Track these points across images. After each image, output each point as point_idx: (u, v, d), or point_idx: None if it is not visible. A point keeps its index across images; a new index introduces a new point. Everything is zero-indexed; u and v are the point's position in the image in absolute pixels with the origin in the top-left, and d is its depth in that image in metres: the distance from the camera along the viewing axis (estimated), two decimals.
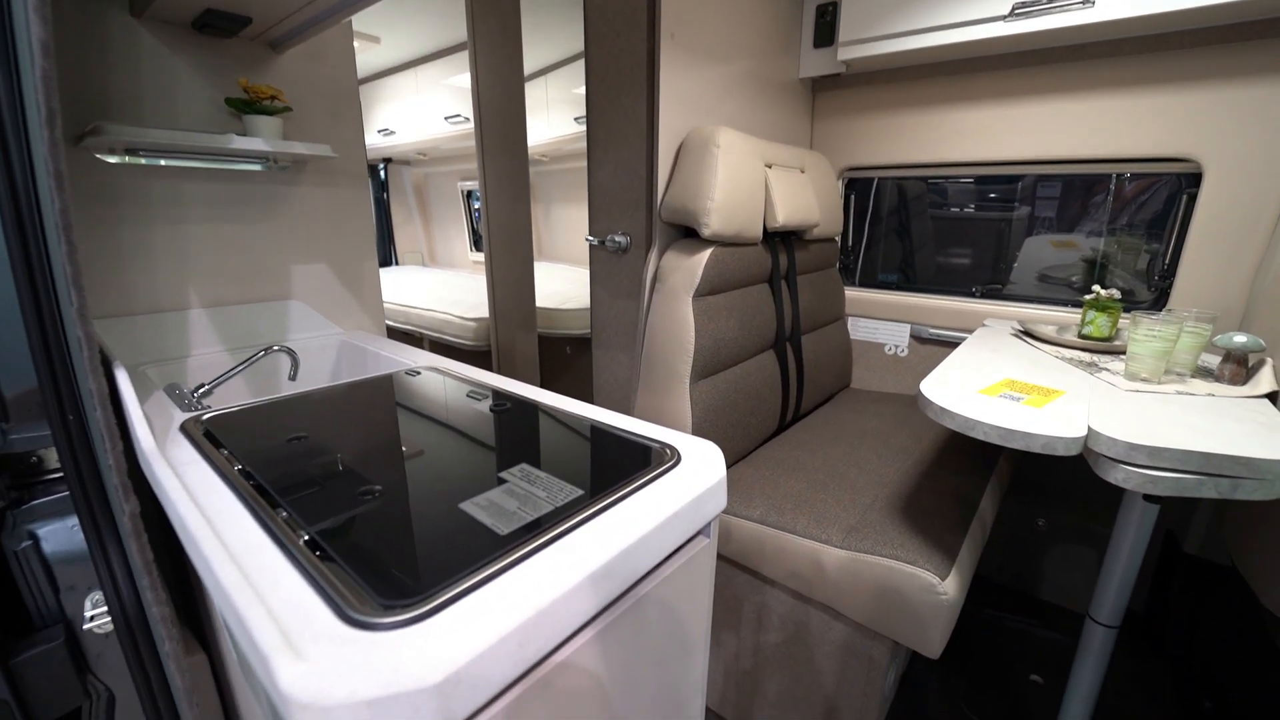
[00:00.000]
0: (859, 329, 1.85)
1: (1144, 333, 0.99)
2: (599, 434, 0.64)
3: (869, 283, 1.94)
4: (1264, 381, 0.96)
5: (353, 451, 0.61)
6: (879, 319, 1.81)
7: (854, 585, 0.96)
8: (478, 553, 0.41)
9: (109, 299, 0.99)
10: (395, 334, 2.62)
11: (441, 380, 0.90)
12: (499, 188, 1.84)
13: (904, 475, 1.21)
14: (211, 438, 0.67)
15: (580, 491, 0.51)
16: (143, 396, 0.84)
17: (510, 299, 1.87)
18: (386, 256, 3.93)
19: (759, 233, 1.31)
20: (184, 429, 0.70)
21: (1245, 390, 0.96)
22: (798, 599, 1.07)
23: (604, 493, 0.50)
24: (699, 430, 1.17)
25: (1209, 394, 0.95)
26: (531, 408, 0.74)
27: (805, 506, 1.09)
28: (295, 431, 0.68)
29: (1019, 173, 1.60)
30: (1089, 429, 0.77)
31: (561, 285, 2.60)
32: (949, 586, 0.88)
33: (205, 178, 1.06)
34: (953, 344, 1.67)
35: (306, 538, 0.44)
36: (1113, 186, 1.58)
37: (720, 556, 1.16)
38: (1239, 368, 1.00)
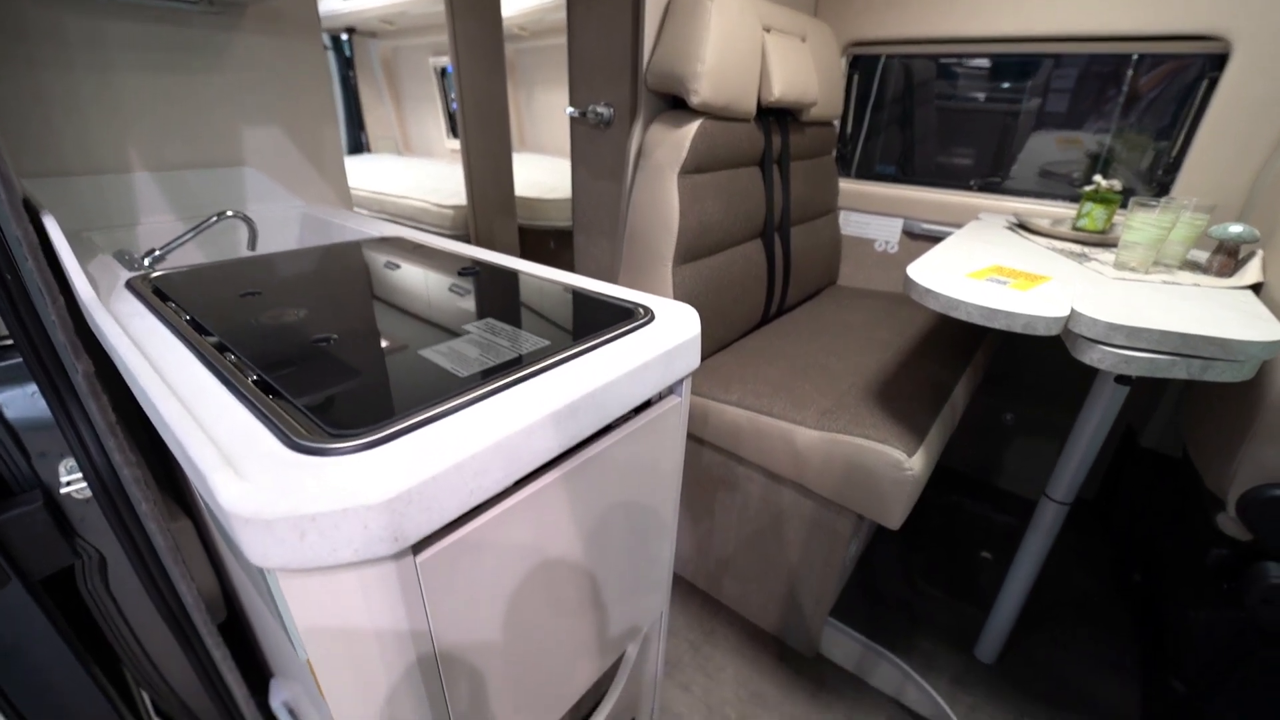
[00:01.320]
0: (850, 224, 1.80)
1: (1140, 220, 0.96)
2: (569, 294, 0.61)
3: (865, 174, 1.85)
4: (1250, 273, 0.95)
5: (309, 306, 0.58)
6: (871, 213, 1.75)
7: (825, 463, 0.99)
8: (435, 392, 0.39)
9: (37, 154, 0.90)
10: None
11: (409, 247, 0.86)
12: (473, 59, 1.68)
13: (883, 364, 1.22)
14: (160, 294, 0.63)
15: (546, 342, 0.49)
16: (86, 259, 0.79)
17: (488, 183, 1.77)
18: (356, 143, 3.67)
19: (752, 107, 1.22)
20: (130, 286, 0.66)
21: (1231, 282, 0.95)
22: (770, 478, 1.10)
23: (571, 345, 0.48)
24: None
25: (1194, 284, 0.94)
26: (501, 271, 0.70)
27: (783, 391, 1.10)
28: (249, 289, 0.64)
29: (1036, 51, 1.48)
30: (1071, 310, 0.76)
31: (544, 175, 2.46)
32: (915, 463, 0.91)
33: (129, 15, 0.93)
34: (945, 239, 1.62)
35: (255, 378, 0.42)
36: (1130, 74, 1.48)
37: (697, 439, 1.19)
38: (1229, 259, 0.98)
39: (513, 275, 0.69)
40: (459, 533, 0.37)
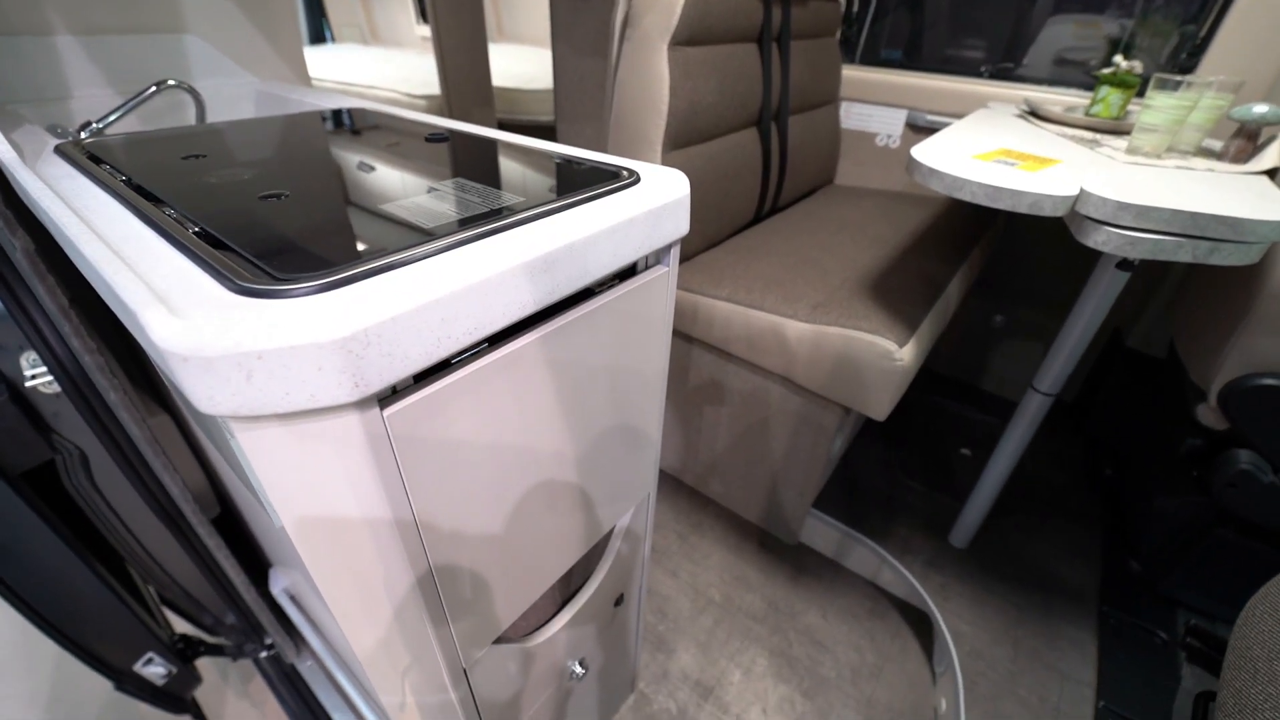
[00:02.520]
0: (851, 116, 1.69)
1: (1160, 101, 0.90)
2: (549, 158, 0.56)
3: (870, 60, 1.72)
4: (1268, 158, 0.91)
5: (259, 169, 0.53)
6: (875, 103, 1.64)
7: (814, 355, 0.98)
8: (396, 242, 0.36)
9: None
10: None
11: (374, 115, 0.78)
12: None
13: (878, 260, 1.18)
14: (94, 159, 0.57)
15: (522, 198, 0.44)
16: (11, 129, 0.71)
17: (464, 71, 1.63)
18: (319, 31, 3.35)
19: None
20: (60, 150, 0.59)
21: (1248, 167, 0.91)
22: (758, 373, 1.10)
23: (550, 201, 0.44)
24: None
25: (1208, 169, 0.89)
26: (473, 138, 0.64)
27: (774, 286, 1.07)
28: (194, 152, 0.58)
29: None
30: (1080, 190, 0.72)
31: (523, 66, 2.27)
32: (905, 354, 0.90)
33: None
34: None
35: (197, 230, 0.38)
36: None
37: (686, 336, 1.17)
38: (1247, 143, 0.93)
39: (486, 141, 0.63)
40: (429, 388, 0.35)
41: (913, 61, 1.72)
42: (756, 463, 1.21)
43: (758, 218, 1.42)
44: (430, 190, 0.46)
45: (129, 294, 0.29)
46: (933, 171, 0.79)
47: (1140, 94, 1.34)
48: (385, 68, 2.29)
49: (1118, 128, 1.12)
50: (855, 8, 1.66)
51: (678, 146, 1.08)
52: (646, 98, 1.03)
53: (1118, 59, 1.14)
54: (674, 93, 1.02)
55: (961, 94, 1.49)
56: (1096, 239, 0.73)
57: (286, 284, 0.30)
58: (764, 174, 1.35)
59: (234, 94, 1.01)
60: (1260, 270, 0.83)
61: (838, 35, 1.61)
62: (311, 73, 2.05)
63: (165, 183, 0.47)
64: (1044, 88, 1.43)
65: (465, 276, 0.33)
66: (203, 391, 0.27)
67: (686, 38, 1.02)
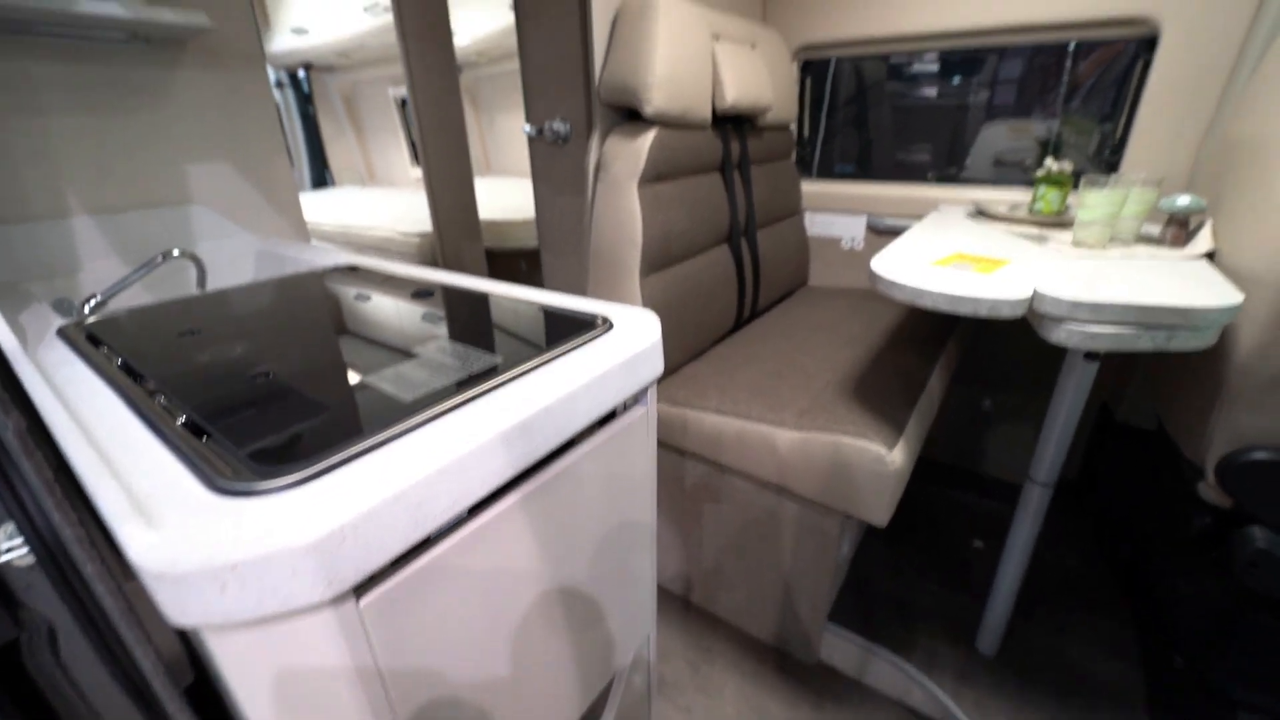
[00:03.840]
0: (816, 224, 1.81)
1: (1093, 199, 0.97)
2: (527, 309, 0.59)
3: (826, 174, 1.87)
4: (1202, 242, 0.97)
5: (250, 341, 0.55)
6: (836, 212, 1.76)
7: (806, 463, 0.97)
8: (376, 421, 0.37)
9: None
10: None
11: (364, 273, 0.83)
12: (429, 86, 1.67)
13: (856, 360, 1.21)
14: (94, 340, 0.59)
15: (498, 359, 0.47)
16: (19, 310, 0.75)
17: (453, 208, 1.75)
18: (320, 177, 3.63)
19: (707, 114, 1.22)
20: (62, 333, 0.62)
21: (1186, 252, 0.97)
22: (754, 483, 1.09)
23: (526, 359, 0.46)
24: None
25: (1151, 257, 0.95)
26: (456, 292, 0.68)
27: (760, 395, 1.08)
28: (190, 327, 0.61)
29: (977, 44, 1.52)
30: (1034, 290, 0.76)
31: (511, 198, 2.45)
32: (896, 456, 0.90)
33: (59, 56, 0.91)
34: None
35: (184, 419, 0.39)
36: (1068, 62, 1.52)
37: (678, 450, 1.17)
38: (1181, 230, 1.00)
39: (469, 295, 0.67)
40: (408, 569, 0.34)
41: (865, 173, 1.88)
42: (763, 576, 1.16)
43: (738, 325, 1.47)
44: (411, 356, 0.49)
45: (108, 504, 0.30)
46: (893, 284, 0.84)
47: (1076, 186, 1.46)
48: (381, 208, 2.46)
49: (1061, 222, 1.20)
50: (806, 131, 1.84)
51: (654, 271, 1.15)
52: (621, 232, 1.11)
53: (1049, 161, 1.25)
54: (646, 225, 1.10)
55: (913, 199, 1.61)
56: (1058, 335, 0.76)
57: (263, 481, 0.31)
58: (739, 285, 1.42)
59: (235, 253, 1.08)
60: (1224, 348, 0.86)
61: (793, 157, 1.76)
62: (314, 217, 2.19)
63: (158, 365, 0.50)
64: (988, 188, 1.54)
65: (443, 455, 0.34)
66: (175, 606, 0.27)
67: (654, 176, 1.11)
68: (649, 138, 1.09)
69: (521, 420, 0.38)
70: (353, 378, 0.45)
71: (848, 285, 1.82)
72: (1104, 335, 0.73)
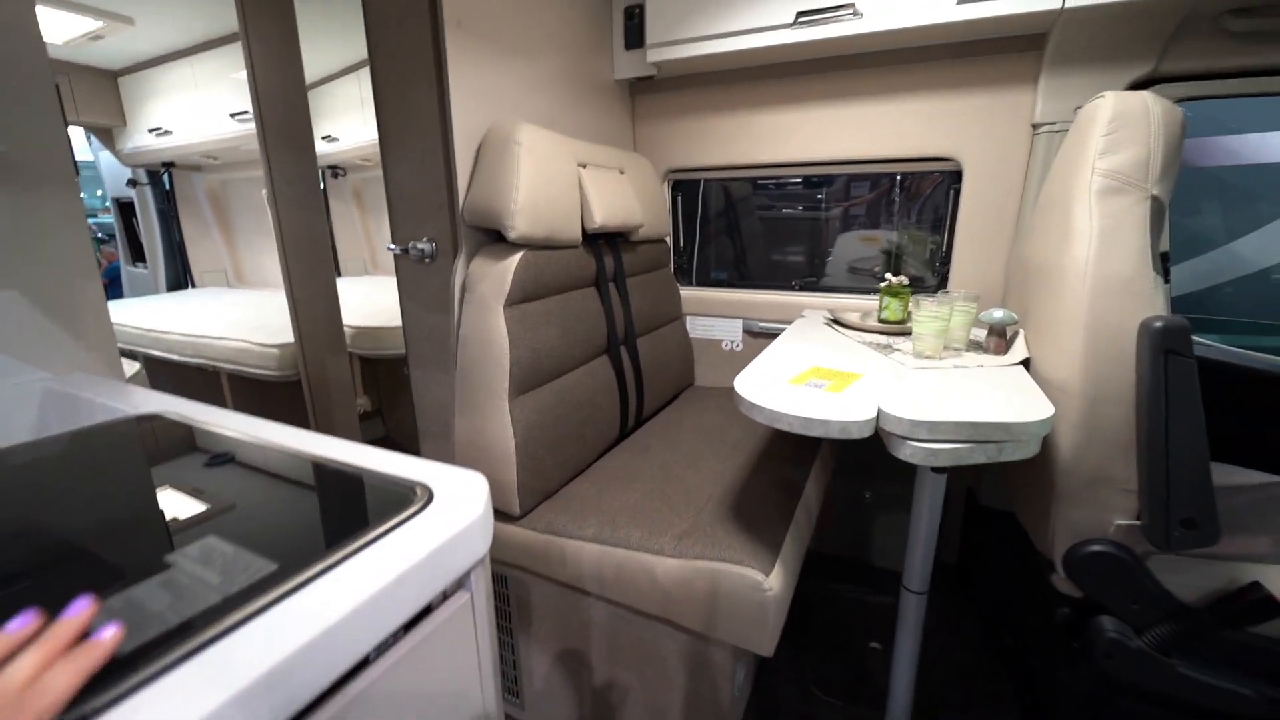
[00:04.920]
0: (697, 327, 1.88)
1: (924, 314, 1.07)
2: (333, 480, 0.52)
3: (703, 281, 1.97)
4: (1019, 350, 1.09)
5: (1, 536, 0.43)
6: (714, 316, 1.84)
7: (687, 594, 0.92)
8: (103, 676, 0.28)
9: None
10: (186, 371, 2.19)
11: (162, 426, 0.71)
12: (288, 190, 1.60)
13: (737, 470, 1.21)
14: None
15: (273, 567, 0.39)
16: None
17: (315, 319, 1.64)
18: (179, 279, 3.33)
19: (577, 234, 1.25)
20: None
21: (1007, 359, 1.08)
22: (640, 616, 1.01)
23: (308, 564, 0.38)
24: (525, 450, 1.07)
25: (979, 365, 1.05)
26: (257, 452, 0.59)
27: (640, 517, 1.04)
28: None
29: (819, 173, 1.72)
30: (879, 410, 0.80)
31: (393, 300, 2.36)
32: (774, 582, 0.88)
33: None
34: (779, 335, 1.74)
35: None
36: (899, 187, 1.76)
37: (559, 583, 1.08)
38: (1001, 340, 1.12)
39: (269, 458, 0.58)
40: None
41: (739, 279, 2.01)
42: (659, 716, 1.06)
43: (625, 432, 1.45)
44: (166, 566, 0.40)
45: None
46: (753, 406, 0.85)
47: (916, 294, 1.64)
48: (241, 315, 2.27)
49: (903, 329, 1.31)
50: (682, 243, 1.94)
51: (525, 390, 1.11)
52: (488, 353, 1.07)
53: (889, 276, 1.39)
54: (514, 345, 1.06)
55: (781, 304, 1.72)
56: (904, 452, 0.79)
57: None
58: (621, 395, 1.41)
59: (15, 394, 0.91)
60: (1048, 451, 0.94)
61: (670, 267, 1.85)
62: (161, 324, 1.96)
63: None
64: (844, 295, 1.69)
65: None
66: None
67: (521, 297, 1.10)
68: (514, 260, 1.08)
69: (273, 668, 0.31)
70: (104, 592, 0.35)
71: (730, 384, 1.87)
72: (943, 451, 0.77)
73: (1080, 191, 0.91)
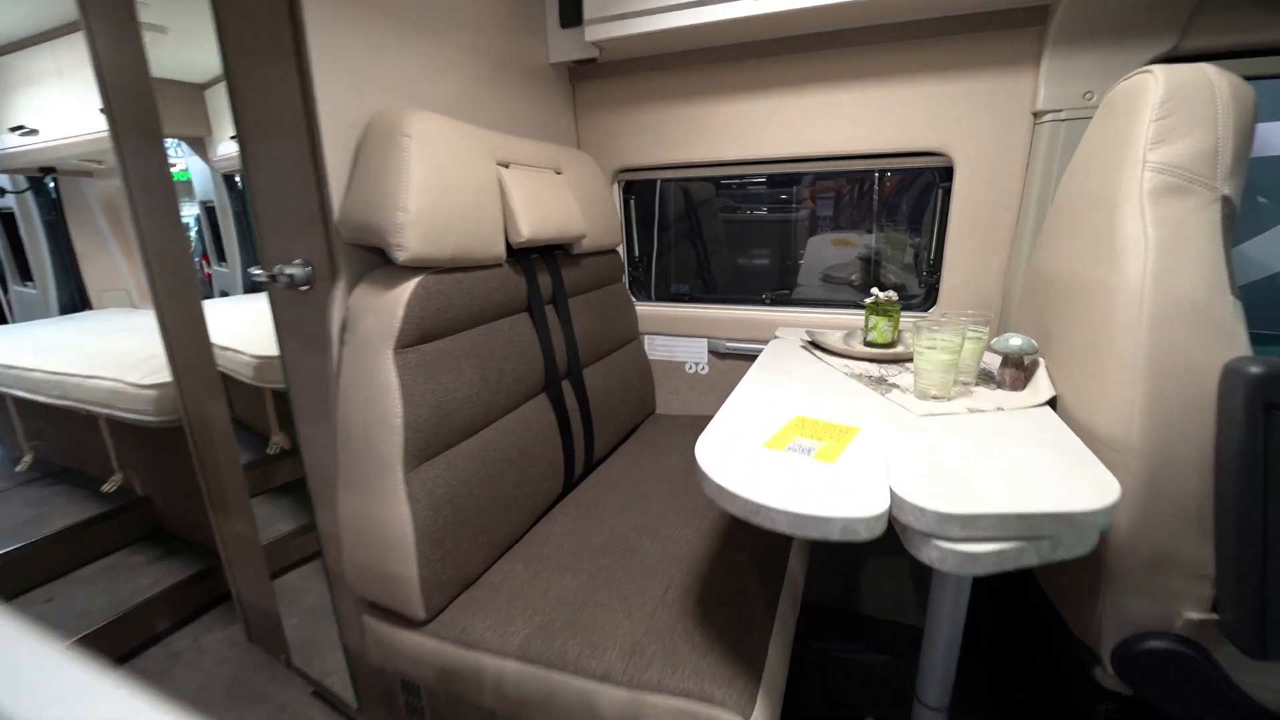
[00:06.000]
0: (657, 348, 1.65)
1: (927, 344, 0.86)
2: None
3: (663, 296, 1.74)
4: (1042, 386, 0.89)
5: None
6: (676, 335, 1.61)
7: None
8: None
9: None
10: (63, 415, 1.84)
11: None
12: (144, 196, 1.30)
13: (705, 537, 0.99)
14: None
15: None
16: None
17: (189, 355, 1.34)
18: (73, 300, 2.92)
19: (498, 250, 1.00)
20: None
21: (1027, 397, 0.88)
22: None
23: None
24: (429, 537, 0.82)
25: (997, 408, 0.85)
26: None
27: (581, 617, 0.80)
28: None
29: (792, 170, 1.51)
30: (891, 494, 0.58)
31: None
32: None
33: None
34: (750, 356, 1.52)
35: None
36: (877, 184, 1.57)
37: (474, 706, 0.83)
38: (1018, 371, 0.92)
39: None
40: None
41: (704, 291, 1.78)
42: None
43: (570, 484, 1.20)
44: None
45: None
46: (722, 490, 0.62)
47: (907, 307, 1.44)
48: (127, 345, 1.92)
49: (896, 355, 1.11)
50: (638, 252, 1.71)
51: (428, 458, 0.85)
52: (374, 411, 0.81)
53: (875, 291, 1.19)
54: (410, 401, 0.81)
55: (751, 322, 1.51)
56: (929, 555, 0.57)
57: None
58: (565, 439, 1.16)
59: None
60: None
61: (624, 281, 1.61)
62: (20, 360, 1.64)
63: None
64: (823, 310, 1.48)
65: None
66: None
67: (418, 336, 0.84)
68: (407, 288, 0.83)
69: None
70: None
71: (697, 411, 1.65)
72: (983, 556, 0.56)
73: (1127, 190, 0.72)
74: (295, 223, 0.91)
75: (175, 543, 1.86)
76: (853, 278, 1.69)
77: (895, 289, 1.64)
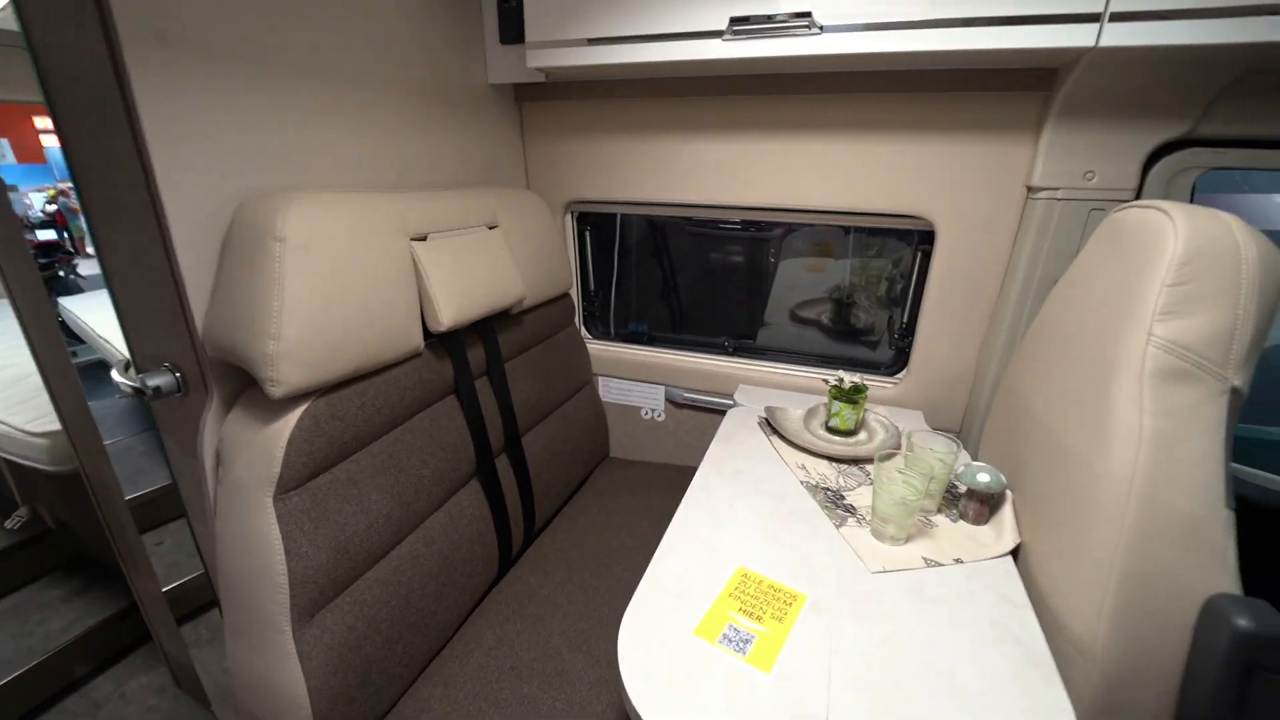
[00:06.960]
0: (611, 391, 1.54)
1: (887, 483, 0.78)
2: None
3: (620, 334, 1.62)
4: (1007, 529, 0.82)
5: None
6: (632, 380, 1.50)
7: None
8: None
9: None
10: None
11: None
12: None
13: None
14: None
15: None
16: None
17: (73, 401, 1.18)
18: None
19: (416, 343, 0.87)
20: None
21: (989, 540, 0.81)
22: None
23: None
24: (327, 692, 0.73)
25: (955, 559, 0.78)
26: None
27: None
28: None
29: (758, 219, 1.37)
30: None
31: None
32: None
33: None
34: (708, 409, 1.43)
35: None
36: (850, 236, 1.46)
37: None
38: (982, 506, 0.85)
39: None
40: None
41: (666, 322, 1.67)
42: None
43: (507, 566, 1.12)
44: None
45: None
46: (639, 714, 0.54)
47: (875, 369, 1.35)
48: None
49: (857, 457, 1.02)
50: (593, 286, 1.57)
51: (324, 605, 0.75)
52: (254, 567, 0.70)
53: (840, 374, 1.10)
54: (295, 556, 0.70)
55: (712, 373, 1.40)
56: None
57: None
58: (500, 522, 1.07)
59: None
60: None
61: (577, 321, 1.48)
62: None
63: None
64: (786, 366, 1.38)
65: None
66: None
67: (307, 474, 0.72)
68: (289, 421, 0.70)
69: None
70: None
71: (653, 459, 1.56)
72: None
73: (1127, 362, 0.62)
74: (159, 323, 0.77)
75: (97, 572, 1.74)
76: (822, 317, 1.59)
77: (865, 331, 1.55)
